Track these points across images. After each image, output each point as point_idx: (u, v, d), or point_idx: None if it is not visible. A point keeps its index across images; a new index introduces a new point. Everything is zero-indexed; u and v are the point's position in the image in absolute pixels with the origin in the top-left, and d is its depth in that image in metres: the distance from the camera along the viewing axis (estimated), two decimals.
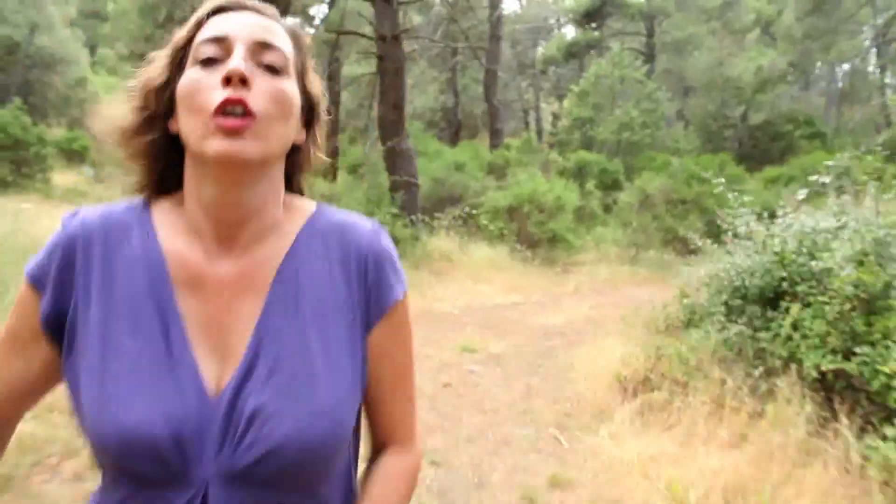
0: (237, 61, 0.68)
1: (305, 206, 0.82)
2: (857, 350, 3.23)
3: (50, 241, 0.75)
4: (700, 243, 5.54)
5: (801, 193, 5.22)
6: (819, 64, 28.43)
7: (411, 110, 29.71)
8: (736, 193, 5.16)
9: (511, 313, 7.75)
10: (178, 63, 0.73)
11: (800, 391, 3.36)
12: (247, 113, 0.67)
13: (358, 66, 22.24)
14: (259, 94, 0.68)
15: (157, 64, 0.74)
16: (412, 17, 20.47)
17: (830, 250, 3.79)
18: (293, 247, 0.76)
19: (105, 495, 0.74)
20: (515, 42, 35.12)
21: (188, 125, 0.69)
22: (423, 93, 30.57)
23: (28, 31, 24.70)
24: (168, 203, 0.78)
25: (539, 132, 35.05)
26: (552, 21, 37.63)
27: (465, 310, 7.79)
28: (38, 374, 0.75)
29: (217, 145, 0.67)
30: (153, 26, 12.13)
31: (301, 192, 0.85)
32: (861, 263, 3.55)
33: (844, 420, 2.97)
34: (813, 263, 3.81)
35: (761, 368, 3.67)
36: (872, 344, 3.32)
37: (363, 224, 0.81)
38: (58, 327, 0.73)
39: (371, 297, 0.77)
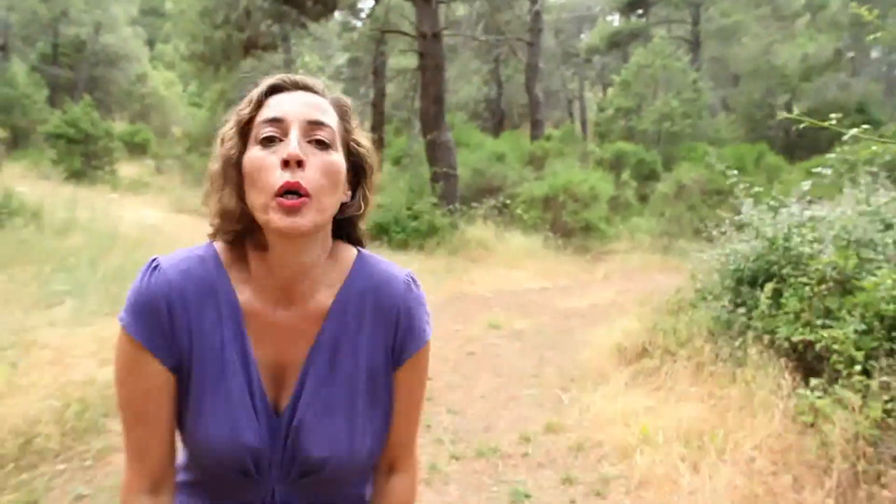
0: (294, 146, 0.80)
1: (348, 258, 0.95)
2: (824, 324, 3.73)
3: (140, 296, 0.86)
4: (714, 232, 6.01)
5: (806, 185, 5.66)
6: (874, 52, 27.79)
7: (455, 101, 30.25)
8: (747, 184, 5.61)
9: (539, 297, 8.33)
10: (243, 137, 0.86)
11: (771, 359, 3.88)
12: (303, 194, 0.80)
13: (404, 59, 22.76)
14: (312, 171, 0.82)
15: (228, 143, 0.86)
16: (456, 10, 20.95)
17: (815, 238, 4.26)
18: (335, 303, 0.91)
19: (190, 473, 0.94)
20: (559, 31, 35.22)
21: (254, 198, 0.82)
22: (467, 83, 31.04)
23: (93, 31, 26.17)
24: (232, 255, 0.91)
25: (584, 122, 35.14)
26: (597, 9, 37.51)
27: (496, 293, 8.40)
28: (172, 403, 0.88)
29: (279, 220, 0.79)
30: (211, 27, 13.01)
31: (359, 240, 0.98)
32: (845, 248, 4.02)
33: (808, 383, 3.49)
34: (799, 249, 4.30)
35: (740, 339, 4.20)
36: (838, 319, 3.82)
37: (397, 278, 0.94)
38: (176, 370, 0.88)
39: (401, 341, 0.93)
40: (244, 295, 0.89)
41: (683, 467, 3.06)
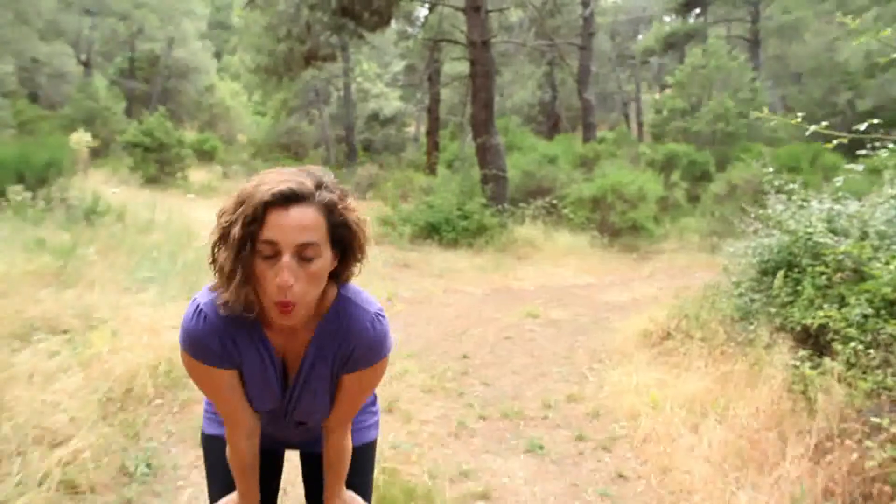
0: (285, 277, 1.08)
1: (330, 297, 1.25)
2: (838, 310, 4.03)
3: (193, 338, 1.21)
4: (746, 227, 6.29)
5: (838, 181, 5.89)
6: None
7: (509, 105, 30.66)
8: (782, 181, 5.88)
9: (581, 291, 8.70)
10: (248, 237, 1.09)
11: (783, 341, 4.20)
12: (292, 305, 1.12)
13: (459, 65, 23.25)
14: (300, 285, 1.10)
15: (230, 250, 1.10)
16: (509, 16, 21.35)
17: (835, 230, 4.55)
18: (314, 338, 1.27)
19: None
20: (615, 33, 35.16)
21: (262, 291, 1.13)
22: (521, 88, 31.38)
23: (167, 45, 27.77)
24: (261, 315, 1.25)
25: (640, 124, 34.93)
26: (652, 11, 37.24)
27: (540, 287, 8.81)
28: (240, 382, 1.32)
29: (277, 316, 1.15)
30: (274, 41, 13.84)
31: (346, 280, 1.26)
32: (861, 238, 4.30)
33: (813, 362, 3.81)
34: (819, 240, 4.59)
35: (756, 323, 4.53)
36: (848, 305, 4.11)
37: (361, 321, 1.25)
38: (237, 366, 1.28)
39: (353, 363, 1.28)
40: (268, 332, 1.26)
41: (683, 428, 3.45)
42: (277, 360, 1.29)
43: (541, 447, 3.38)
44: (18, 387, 2.99)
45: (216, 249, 1.13)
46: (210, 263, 1.15)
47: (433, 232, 11.62)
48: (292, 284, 1.08)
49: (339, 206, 1.13)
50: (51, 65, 29.09)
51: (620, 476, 3.10)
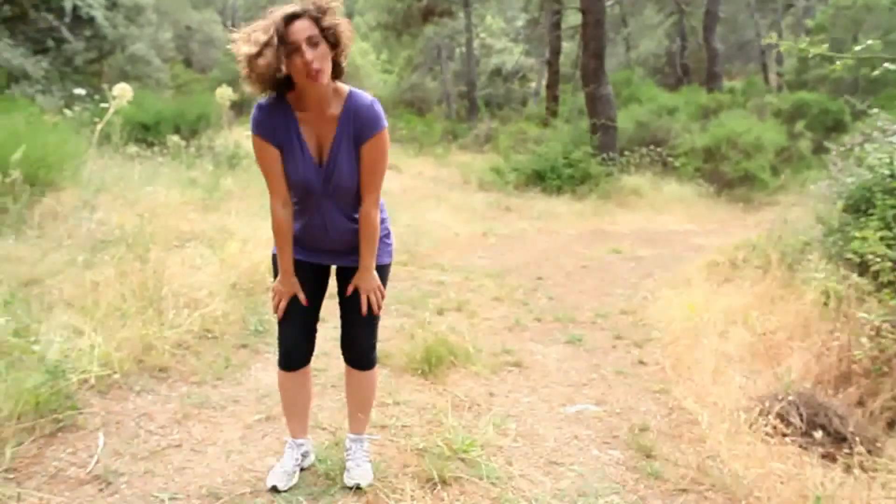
0: (307, 56, 1.73)
1: (344, 88, 1.90)
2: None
3: (254, 119, 1.87)
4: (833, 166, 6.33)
5: None
6: None
7: (634, 56, 29.83)
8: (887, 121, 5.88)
9: (676, 236, 8.92)
10: (278, 42, 1.73)
11: (836, 271, 4.45)
12: (317, 71, 1.75)
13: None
14: (316, 59, 1.74)
15: (269, 50, 1.72)
16: None
17: None
18: (343, 110, 1.88)
19: (293, 196, 1.98)
20: None
21: (296, 77, 1.78)
22: (648, 38, 30.37)
23: None
24: (292, 95, 1.88)
25: (779, 74, 32.74)
26: None
27: (635, 231, 9.12)
28: (282, 162, 1.91)
29: (310, 85, 1.78)
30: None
31: (340, 72, 1.87)
32: None
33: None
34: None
35: (815, 254, 4.76)
36: None
37: (367, 100, 1.89)
38: (278, 145, 1.89)
39: (363, 135, 1.88)
40: (296, 107, 1.88)
41: (711, 332, 3.89)
42: (306, 143, 1.90)
43: (580, 339, 3.96)
44: (175, 270, 3.98)
45: (254, 58, 1.75)
46: (248, 65, 1.78)
47: (538, 179, 12.08)
48: (312, 57, 1.74)
49: (324, 17, 1.79)
50: (202, 31, 31.81)
51: (641, 362, 3.62)
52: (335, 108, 1.90)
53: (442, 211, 8.77)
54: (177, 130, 11.39)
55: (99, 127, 6.27)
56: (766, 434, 2.47)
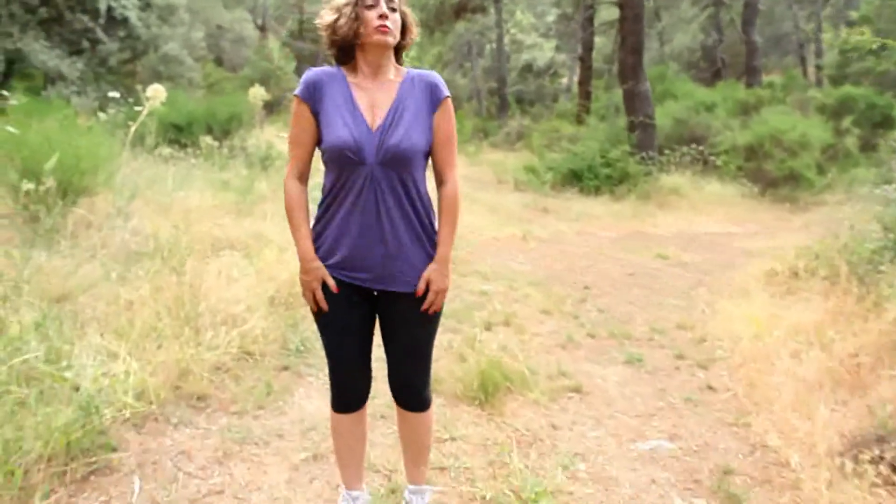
0: (384, 10, 1.71)
1: (403, 67, 1.85)
2: None
3: (303, 80, 1.77)
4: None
5: None
6: None
7: (668, 51, 29.22)
8: None
9: (720, 239, 8.57)
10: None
11: None
12: (389, 28, 1.71)
13: (615, 10, 22.51)
14: (391, 21, 1.72)
15: (349, 8, 1.72)
16: None
17: None
18: (405, 78, 1.80)
19: (329, 178, 1.78)
20: None
21: (366, 30, 1.72)
22: (682, 32, 29.75)
23: None
24: (347, 66, 1.82)
25: (819, 67, 31.83)
26: None
27: (677, 234, 8.78)
28: (315, 135, 1.78)
29: (378, 38, 1.71)
30: None
31: (400, 59, 1.87)
32: None
33: None
34: None
35: (885, 263, 4.43)
36: None
37: (430, 72, 1.83)
38: (315, 112, 1.76)
39: (435, 95, 1.79)
40: (349, 76, 1.79)
41: (784, 353, 3.59)
42: (359, 104, 1.75)
43: (639, 359, 3.69)
44: (211, 282, 3.80)
45: (336, 22, 1.74)
46: (329, 31, 1.76)
47: (575, 179, 11.77)
48: (387, 14, 1.71)
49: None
50: (233, 30, 31.93)
51: (709, 388, 3.35)
52: (395, 76, 1.82)
53: (477, 212, 8.53)
54: (209, 131, 11.31)
55: (133, 129, 6.17)
56: (874, 484, 2.19)
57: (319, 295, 1.79)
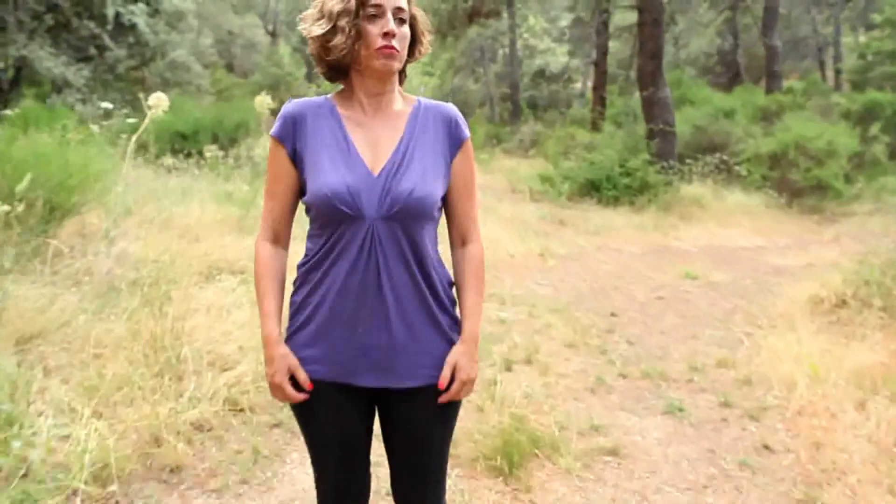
0: (391, 26, 1.29)
1: (411, 95, 1.46)
2: None
3: (280, 116, 1.37)
4: None
5: None
6: None
7: (684, 56, 28.73)
8: None
9: (749, 254, 8.10)
10: (357, 6, 1.30)
11: None
12: (395, 50, 1.30)
13: (630, 15, 22.16)
14: (398, 39, 1.30)
15: (345, 19, 1.29)
16: None
17: None
18: (414, 109, 1.41)
19: (314, 240, 1.37)
20: None
21: (366, 48, 1.30)
22: (698, 36, 29.26)
23: None
24: (336, 94, 1.42)
25: (838, 71, 31.22)
26: None
27: (703, 248, 8.33)
28: (294, 186, 1.38)
29: (379, 64, 1.30)
30: (439, 0, 13.97)
31: (403, 80, 1.46)
32: None
33: None
34: None
35: None
36: None
37: (447, 104, 1.44)
38: (295, 157, 1.36)
39: (454, 134, 1.41)
40: (342, 107, 1.38)
41: (847, 404, 3.15)
42: (354, 146, 1.35)
43: (680, 409, 3.26)
44: (199, 317, 3.42)
45: (328, 38, 1.32)
46: (319, 47, 1.34)
47: (593, 189, 11.33)
48: (395, 31, 1.30)
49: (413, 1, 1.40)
50: (243, 36, 31.77)
51: (766, 447, 2.91)
52: (402, 107, 1.43)
53: (492, 225, 8.11)
54: (215, 139, 10.98)
55: (133, 139, 5.84)
56: None
57: (290, 392, 1.36)
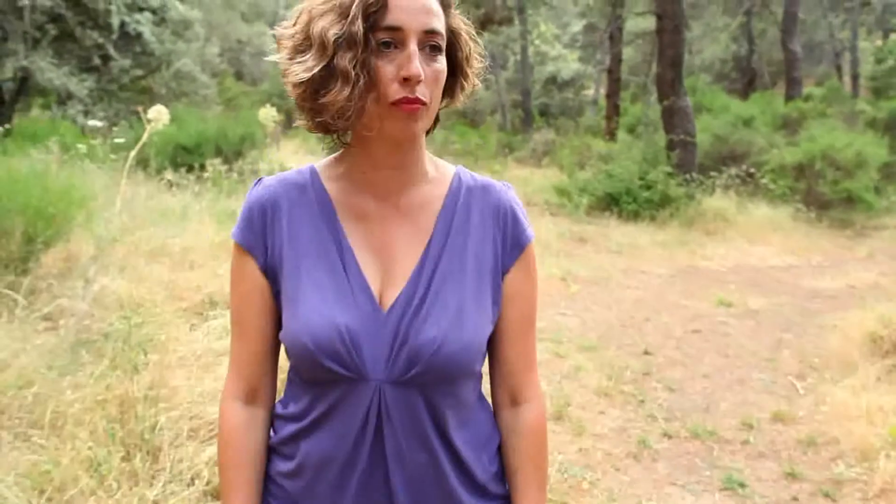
0: (415, 65, 0.79)
1: (447, 165, 0.97)
2: None
3: (244, 207, 0.92)
4: None
5: None
6: None
7: (698, 62, 28.23)
8: None
9: (782, 275, 7.61)
10: (364, 28, 0.79)
11: None
12: (419, 104, 0.81)
13: (643, 21, 21.75)
14: (426, 83, 0.81)
15: (347, 54, 0.79)
16: None
17: None
18: (448, 195, 0.92)
19: (295, 393, 0.92)
20: None
21: (377, 110, 0.82)
22: (712, 42, 28.80)
23: None
24: (327, 163, 0.94)
25: (855, 77, 30.62)
26: None
27: (733, 269, 7.85)
28: (273, 313, 0.91)
29: (395, 128, 0.82)
30: None
31: (435, 124, 0.95)
32: None
33: None
34: None
35: None
36: None
37: (497, 183, 0.97)
38: (268, 272, 0.90)
39: (508, 242, 0.92)
40: (336, 189, 0.91)
41: None
42: (356, 261, 0.88)
43: (741, 485, 2.79)
44: (182, 372, 2.99)
45: (318, 82, 0.81)
46: (303, 93, 0.83)
47: (612, 203, 10.87)
48: (420, 73, 0.80)
49: (450, 9, 0.88)
50: (252, 44, 31.61)
51: None
52: (429, 188, 0.93)
53: None
54: (219, 152, 10.63)
55: (132, 155, 5.47)
56: None
57: None
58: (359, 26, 0.78)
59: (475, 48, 0.92)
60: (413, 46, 0.80)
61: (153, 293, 4.07)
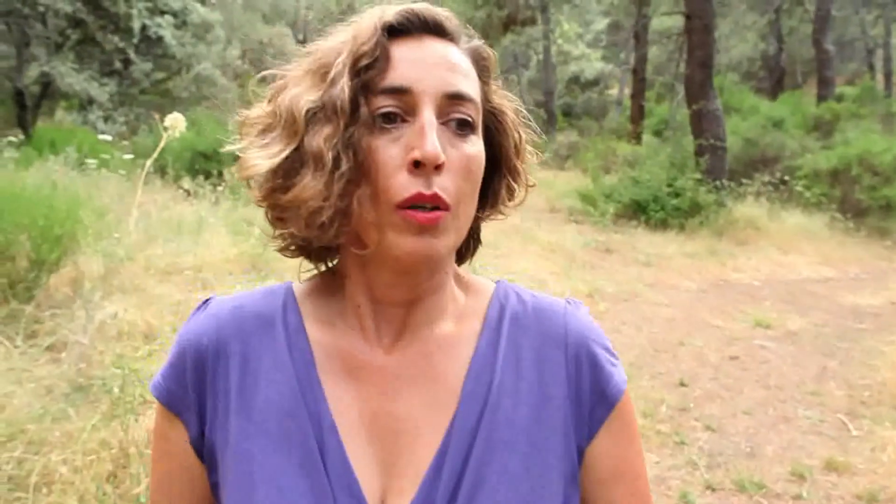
0: (432, 142, 0.53)
1: (481, 283, 0.69)
2: None
3: (175, 345, 0.64)
4: None
5: None
6: None
7: (726, 61, 27.66)
8: None
9: (819, 289, 7.26)
10: (354, 92, 0.55)
11: None
12: (442, 207, 0.55)
13: (668, 19, 21.34)
14: (451, 173, 0.56)
15: (327, 126, 0.55)
16: None
17: None
18: (483, 334, 0.63)
19: None
20: None
21: (362, 207, 0.55)
22: (741, 41, 28.22)
23: None
24: (313, 285, 0.67)
25: (888, 75, 29.79)
26: None
27: (766, 282, 7.51)
28: (203, 496, 0.65)
29: (405, 244, 0.55)
30: (472, 8, 13.37)
31: (476, 247, 0.72)
32: None
33: None
34: None
35: None
36: None
37: (558, 304, 0.67)
38: (204, 449, 0.63)
39: (585, 398, 0.62)
40: (320, 328, 0.63)
41: None
42: (341, 443, 0.59)
43: None
44: None
45: (283, 176, 0.56)
46: (269, 194, 0.58)
47: (639, 211, 10.55)
48: (440, 156, 0.53)
49: (489, 82, 0.63)
50: (273, 45, 31.58)
51: None
52: (455, 326, 0.63)
53: (531, 255, 7.42)
54: (238, 158, 10.52)
55: (147, 164, 5.34)
56: None
57: None
58: (343, 88, 0.54)
59: (526, 135, 0.66)
60: (429, 115, 0.55)
61: (161, 319, 3.88)
